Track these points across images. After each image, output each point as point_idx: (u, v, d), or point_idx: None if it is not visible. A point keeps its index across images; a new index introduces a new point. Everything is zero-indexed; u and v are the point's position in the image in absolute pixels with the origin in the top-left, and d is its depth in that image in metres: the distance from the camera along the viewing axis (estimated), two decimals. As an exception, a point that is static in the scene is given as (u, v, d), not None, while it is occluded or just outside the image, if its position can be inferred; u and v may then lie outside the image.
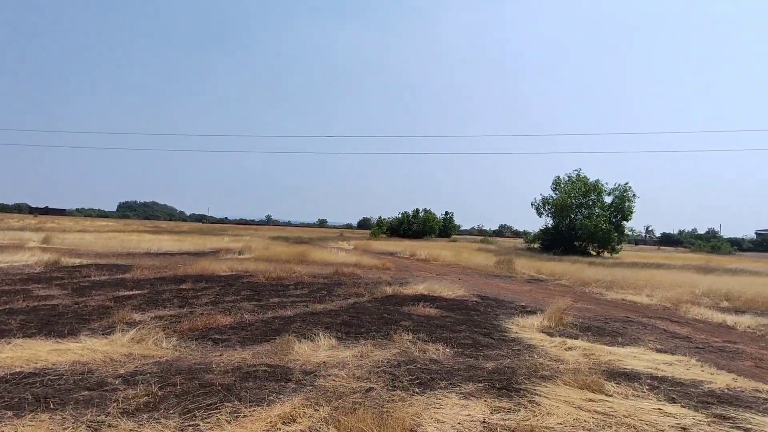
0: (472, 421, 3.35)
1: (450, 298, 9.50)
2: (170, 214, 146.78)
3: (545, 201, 32.62)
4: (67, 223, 50.63)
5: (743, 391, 4.43)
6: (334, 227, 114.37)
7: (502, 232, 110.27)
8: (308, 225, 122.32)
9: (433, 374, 4.40)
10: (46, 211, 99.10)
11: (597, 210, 30.14)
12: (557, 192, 32.04)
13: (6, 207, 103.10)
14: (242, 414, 3.27)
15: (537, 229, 36.03)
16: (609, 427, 3.38)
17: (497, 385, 4.16)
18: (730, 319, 8.78)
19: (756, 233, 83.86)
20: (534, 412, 3.57)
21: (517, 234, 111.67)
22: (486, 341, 5.90)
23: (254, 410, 3.33)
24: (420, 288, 10.35)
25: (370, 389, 3.89)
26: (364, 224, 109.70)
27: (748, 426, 3.53)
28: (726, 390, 4.44)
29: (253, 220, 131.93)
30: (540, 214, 33.00)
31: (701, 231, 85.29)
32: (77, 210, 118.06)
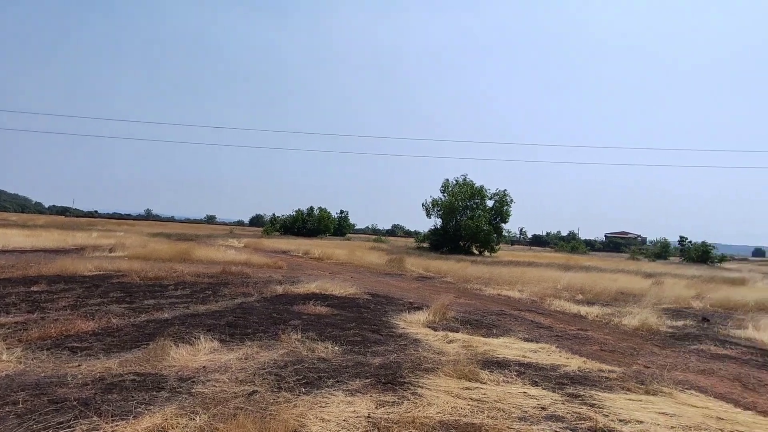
0: (357, 417, 3.39)
1: (341, 296, 9.54)
2: (22, 206, 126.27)
3: (434, 203, 34.51)
4: None
5: (590, 372, 5.10)
6: (224, 224, 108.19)
7: (395, 231, 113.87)
8: (195, 221, 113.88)
9: (321, 373, 4.36)
10: None
11: (480, 213, 32.67)
12: (446, 194, 34.12)
13: None
14: (101, 431, 2.91)
15: (427, 230, 37.95)
16: (482, 412, 3.65)
17: (383, 380, 4.26)
18: (583, 309, 10.07)
19: (605, 236, 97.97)
20: (416, 403, 3.72)
21: (408, 234, 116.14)
22: (375, 338, 6.02)
23: (117, 425, 2.99)
24: (312, 287, 10.23)
25: (253, 392, 3.72)
26: (256, 222, 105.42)
27: (593, 402, 4.06)
28: (578, 372, 5.07)
29: (129, 215, 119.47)
30: (429, 215, 34.90)
31: (564, 233, 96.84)
32: None
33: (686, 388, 4.66)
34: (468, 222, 31.45)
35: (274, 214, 60.44)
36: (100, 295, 7.76)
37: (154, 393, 3.61)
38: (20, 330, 5.17)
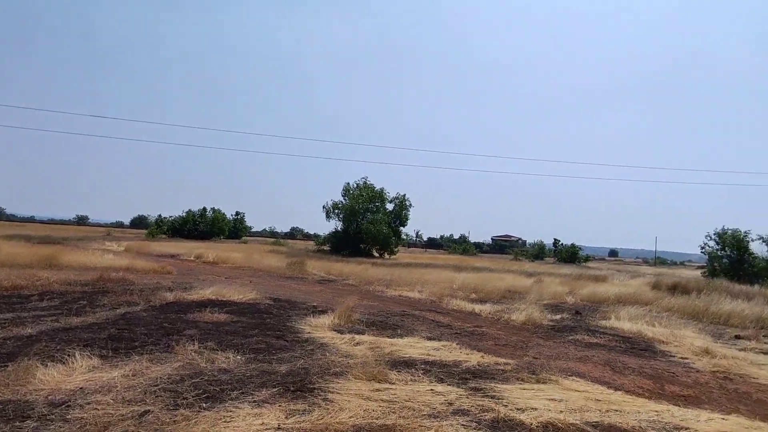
0: (266, 429, 3.19)
1: (241, 302, 9.04)
2: None
3: (335, 206, 34.49)
4: None
5: (489, 366, 5.43)
6: (99, 226, 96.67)
7: (294, 234, 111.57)
8: (62, 222, 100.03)
9: (223, 385, 4.05)
10: None
11: (380, 216, 33.37)
12: (346, 198, 34.29)
13: None
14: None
15: (327, 233, 37.77)
16: (393, 412, 3.67)
17: (292, 388, 4.09)
18: (477, 308, 10.74)
19: (492, 239, 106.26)
20: (328, 409, 3.63)
21: (308, 237, 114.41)
22: (280, 344, 5.78)
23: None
24: (207, 293, 9.54)
25: (145, 413, 3.33)
26: (139, 223, 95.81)
27: (494, 394, 4.32)
28: (477, 366, 5.37)
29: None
30: (329, 218, 34.77)
31: (456, 236, 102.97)
32: None
33: (569, 375, 5.18)
34: (369, 225, 31.95)
35: (160, 215, 55.54)
36: (-64, 309, 6.42)
37: (17, 424, 3.05)
38: None
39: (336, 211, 34.08)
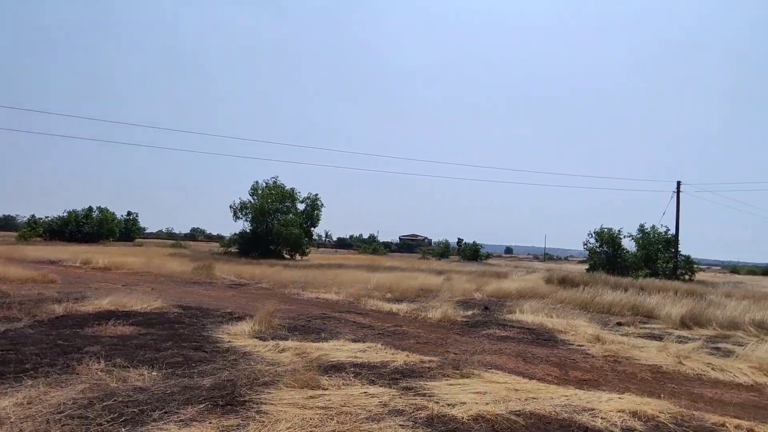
0: (200, 450, 2.99)
1: (146, 311, 8.30)
2: None
3: (243, 205, 32.99)
4: None
5: (415, 364, 5.60)
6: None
7: (195, 236, 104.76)
8: None
9: (142, 406, 3.71)
10: None
11: (291, 216, 32.61)
12: (255, 197, 32.98)
13: None
14: None
15: (232, 233, 36.05)
16: (331, 419, 3.64)
17: (221, 402, 3.87)
18: (394, 307, 11.00)
19: (400, 238, 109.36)
20: (263, 422, 3.49)
21: (211, 238, 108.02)
22: (199, 356, 5.42)
23: None
24: (104, 303, 8.62)
25: (53, 445, 2.93)
26: (5, 225, 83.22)
27: (424, 391, 4.48)
28: (404, 366, 5.52)
29: None
30: (237, 218, 33.18)
31: (365, 236, 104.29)
32: None
33: (488, 368, 5.53)
34: (280, 226, 31.06)
35: (33, 215, 48.77)
36: None
37: None
38: None
39: (244, 211, 32.61)
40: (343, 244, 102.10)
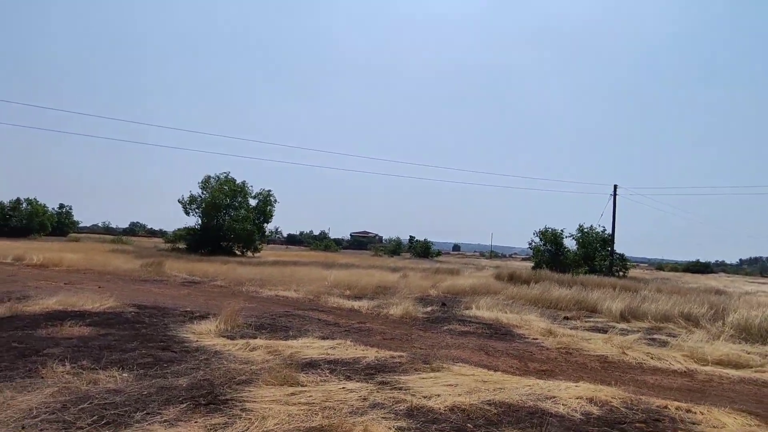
0: (193, 448, 3.02)
1: (100, 311, 7.94)
2: None
3: (193, 199, 31.74)
4: None
5: (386, 360, 5.79)
6: None
7: (135, 230, 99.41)
8: None
9: (121, 407, 3.64)
10: None
11: (244, 212, 31.78)
12: (205, 191, 31.83)
13: None
14: None
15: (176, 229, 34.66)
16: (316, 414, 3.75)
17: (203, 402, 3.87)
18: (356, 304, 11.15)
19: (351, 235, 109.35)
20: (251, 419, 3.55)
21: (153, 233, 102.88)
22: (168, 356, 5.32)
23: None
24: (51, 302, 8.16)
25: (37, 450, 2.86)
26: None
27: (400, 385, 4.68)
28: (376, 361, 5.69)
29: None
30: (187, 213, 31.86)
31: (316, 232, 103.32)
32: None
33: (456, 362, 5.83)
34: (232, 222, 30.18)
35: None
36: None
37: None
38: None
39: (193, 206, 31.41)
40: (293, 240, 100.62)
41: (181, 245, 31.37)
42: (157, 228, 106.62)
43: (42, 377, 4.24)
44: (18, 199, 44.28)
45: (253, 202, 33.78)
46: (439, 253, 54.07)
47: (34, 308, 7.69)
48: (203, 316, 7.94)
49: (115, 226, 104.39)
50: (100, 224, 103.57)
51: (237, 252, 31.82)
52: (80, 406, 3.62)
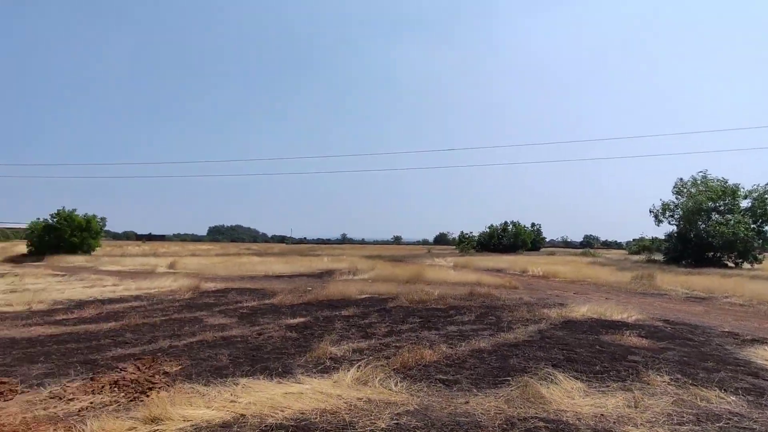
0: None
1: (634, 323, 8.23)
2: (254, 236, 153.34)
3: (666, 207, 29.32)
4: (174, 248, 54.32)
5: None
6: (410, 244, 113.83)
7: (591, 243, 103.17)
8: (384, 242, 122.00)
9: (769, 437, 3.37)
10: (150, 238, 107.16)
11: (735, 215, 26.46)
12: (680, 196, 28.73)
13: (117, 235, 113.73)
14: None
15: (631, 239, 32.83)
16: None
17: None
18: None
19: None
20: None
21: (607, 245, 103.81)
22: (761, 384, 4.71)
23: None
24: (584, 310, 9.19)
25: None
26: (441, 240, 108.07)
27: None
28: None
29: (329, 240, 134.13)
30: (659, 222, 29.72)
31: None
32: (174, 235, 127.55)
33: None
34: (720, 228, 25.59)
35: (462, 231, 60.69)
36: (400, 321, 8.13)
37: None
38: (377, 357, 5.46)
39: (667, 212, 28.94)
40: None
41: (656, 256, 29.48)
42: (611, 239, 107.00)
43: (646, 383, 4.59)
44: (505, 222, 55.38)
45: (744, 204, 27.57)
46: None
47: (575, 315, 8.85)
48: (758, 341, 6.79)
49: (571, 240, 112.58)
50: (558, 239, 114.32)
51: (728, 263, 26.67)
52: (717, 425, 3.60)
